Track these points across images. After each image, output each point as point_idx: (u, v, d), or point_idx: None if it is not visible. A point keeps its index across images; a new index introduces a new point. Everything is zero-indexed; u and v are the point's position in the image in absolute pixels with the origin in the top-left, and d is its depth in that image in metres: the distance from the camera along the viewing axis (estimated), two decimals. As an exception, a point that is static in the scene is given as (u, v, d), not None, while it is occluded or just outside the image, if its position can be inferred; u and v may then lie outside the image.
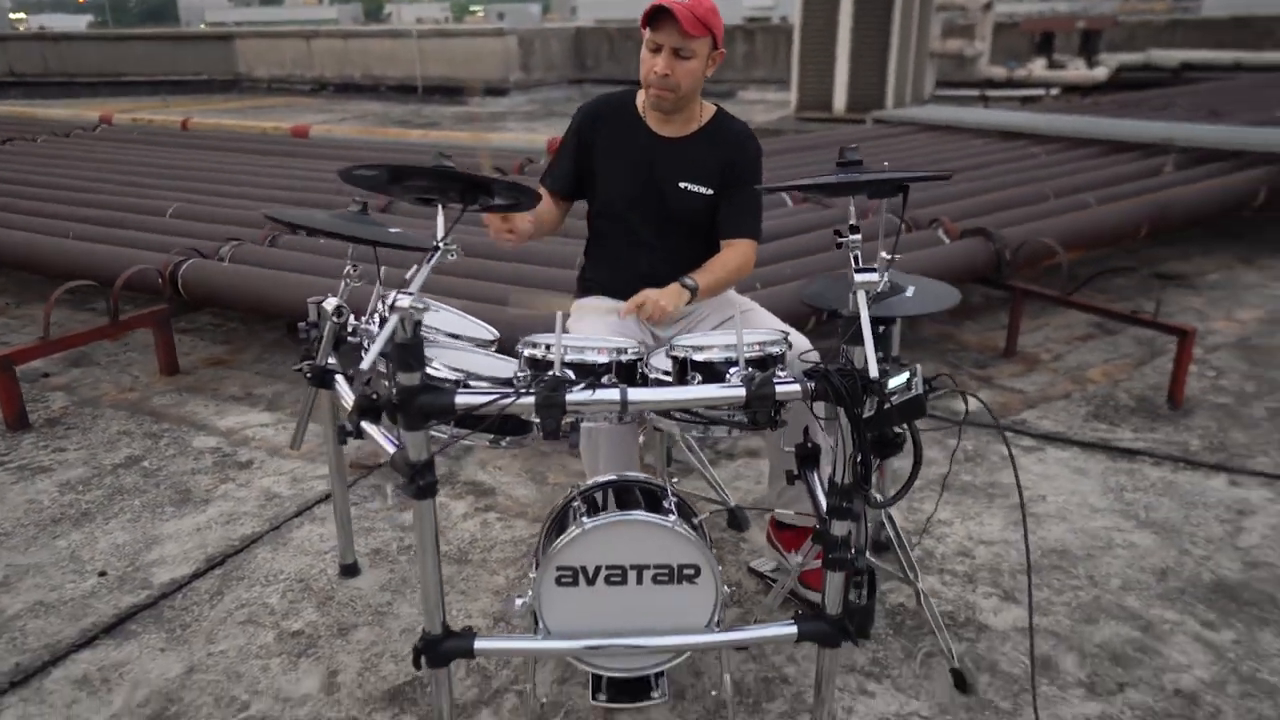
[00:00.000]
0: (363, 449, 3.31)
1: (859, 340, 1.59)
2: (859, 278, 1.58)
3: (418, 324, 1.52)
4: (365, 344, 1.98)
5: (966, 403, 1.90)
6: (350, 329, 2.07)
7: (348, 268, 1.99)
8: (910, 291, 2.07)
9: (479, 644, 1.77)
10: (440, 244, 1.56)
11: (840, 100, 10.08)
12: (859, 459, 1.68)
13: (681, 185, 2.28)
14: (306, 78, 17.40)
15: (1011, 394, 3.69)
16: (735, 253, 2.25)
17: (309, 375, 2.02)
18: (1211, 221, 5.55)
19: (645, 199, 2.30)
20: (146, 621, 2.39)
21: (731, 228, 2.27)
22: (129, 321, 3.82)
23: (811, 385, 1.63)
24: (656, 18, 2.11)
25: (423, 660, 1.76)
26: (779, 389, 1.63)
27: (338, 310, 1.96)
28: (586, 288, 2.50)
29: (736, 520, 2.76)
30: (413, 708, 2.07)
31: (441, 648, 1.76)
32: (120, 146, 7.45)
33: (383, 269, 2.03)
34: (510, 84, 15.71)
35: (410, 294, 1.49)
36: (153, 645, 2.29)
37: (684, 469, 3.01)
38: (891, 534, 2.25)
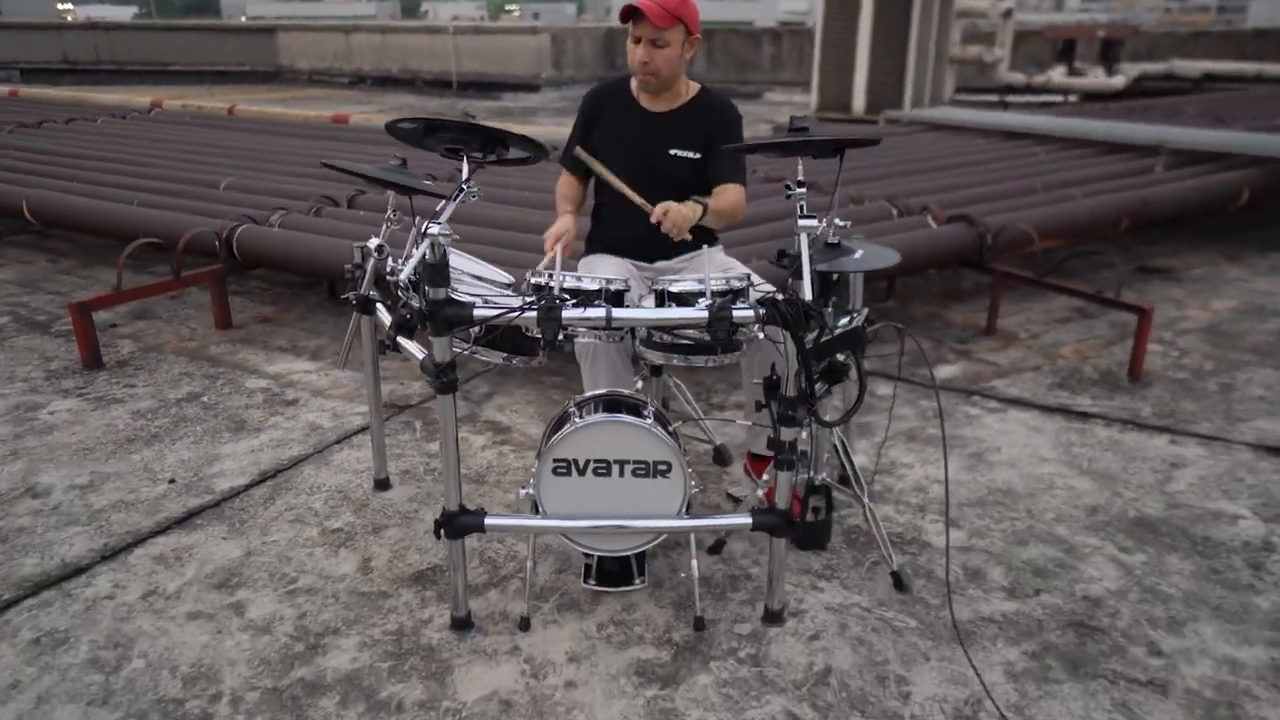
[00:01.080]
0: (395, 393, 3.72)
1: (801, 277, 1.96)
2: (802, 223, 1.95)
3: (445, 248, 1.91)
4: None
5: (903, 341, 2.26)
6: (389, 268, 2.47)
7: (388, 213, 2.38)
8: (859, 254, 2.43)
9: (489, 520, 2.16)
10: (464, 186, 1.95)
11: (859, 102, 10.40)
12: (803, 375, 2.05)
13: (671, 152, 2.67)
14: (345, 70, 17.98)
15: (985, 365, 4.02)
16: (729, 192, 2.62)
17: (354, 302, 2.42)
18: (1196, 219, 5.84)
19: (640, 166, 2.68)
20: (210, 518, 2.81)
21: (722, 176, 2.64)
22: (190, 278, 4.26)
23: (762, 311, 2.00)
24: (632, 14, 2.50)
25: (442, 532, 2.16)
26: (735, 313, 2.00)
27: (379, 248, 2.36)
28: (591, 247, 2.89)
29: (721, 456, 3.14)
30: (433, 586, 2.46)
31: (458, 522, 2.15)
32: (174, 128, 7.96)
33: (416, 218, 2.42)
34: (542, 80, 16.16)
35: (439, 223, 1.89)
36: (216, 535, 2.71)
37: (677, 418, 3.39)
38: (845, 461, 2.61)
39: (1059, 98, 11.84)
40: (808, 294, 1.92)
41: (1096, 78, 12.17)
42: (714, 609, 2.37)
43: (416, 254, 1.87)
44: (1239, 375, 3.92)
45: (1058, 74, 12.37)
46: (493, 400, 3.66)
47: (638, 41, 2.54)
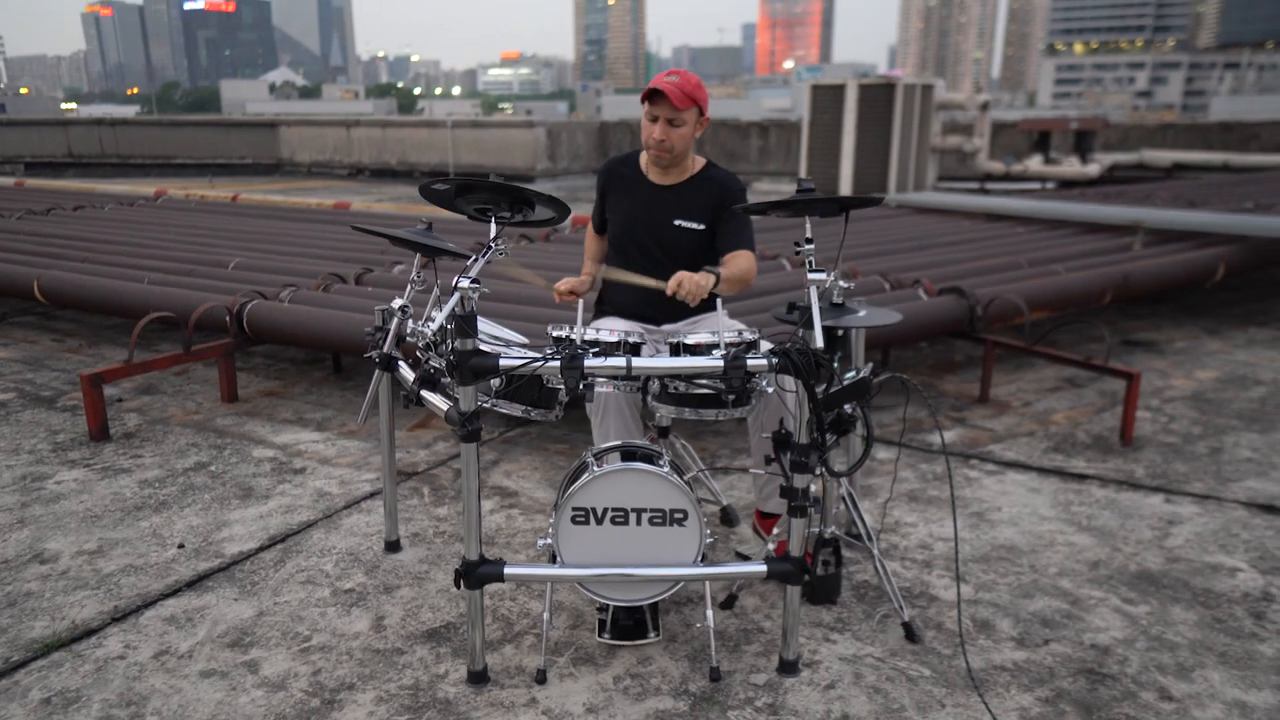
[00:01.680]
0: (402, 460, 3.76)
1: (811, 326, 2.06)
2: (811, 276, 2.06)
3: (474, 301, 2.00)
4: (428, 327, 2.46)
5: (908, 392, 2.35)
6: (410, 329, 2.56)
7: (413, 274, 2.49)
8: (862, 313, 2.54)
9: (509, 570, 2.20)
10: (492, 244, 2.06)
11: (845, 190, 10.76)
12: (815, 422, 2.12)
13: (676, 223, 2.81)
14: (345, 163, 18.47)
15: (981, 431, 4.11)
16: (739, 258, 2.74)
17: (377, 360, 2.50)
18: (1175, 293, 6.04)
19: (646, 235, 2.81)
20: (221, 580, 2.82)
21: (731, 244, 2.77)
22: (199, 352, 4.34)
23: (775, 360, 2.09)
24: (653, 96, 2.67)
25: (462, 583, 2.19)
26: (749, 362, 2.09)
27: (403, 309, 2.45)
28: (602, 311, 3.00)
29: (728, 516, 3.18)
30: (447, 642, 2.47)
31: (478, 572, 2.18)
32: (180, 214, 8.15)
33: (439, 279, 2.53)
34: (537, 172, 16.63)
35: (469, 278, 1.99)
36: (227, 596, 2.72)
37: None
38: (854, 513, 2.66)
39: (1037, 185, 12.28)
40: (818, 343, 2.02)
41: (1072, 166, 12.66)
42: (729, 661, 2.38)
43: (446, 307, 1.97)
44: (1226, 439, 4.01)
45: (1035, 163, 12.86)
46: (499, 466, 3.70)
47: (654, 120, 2.71)
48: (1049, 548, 3.02)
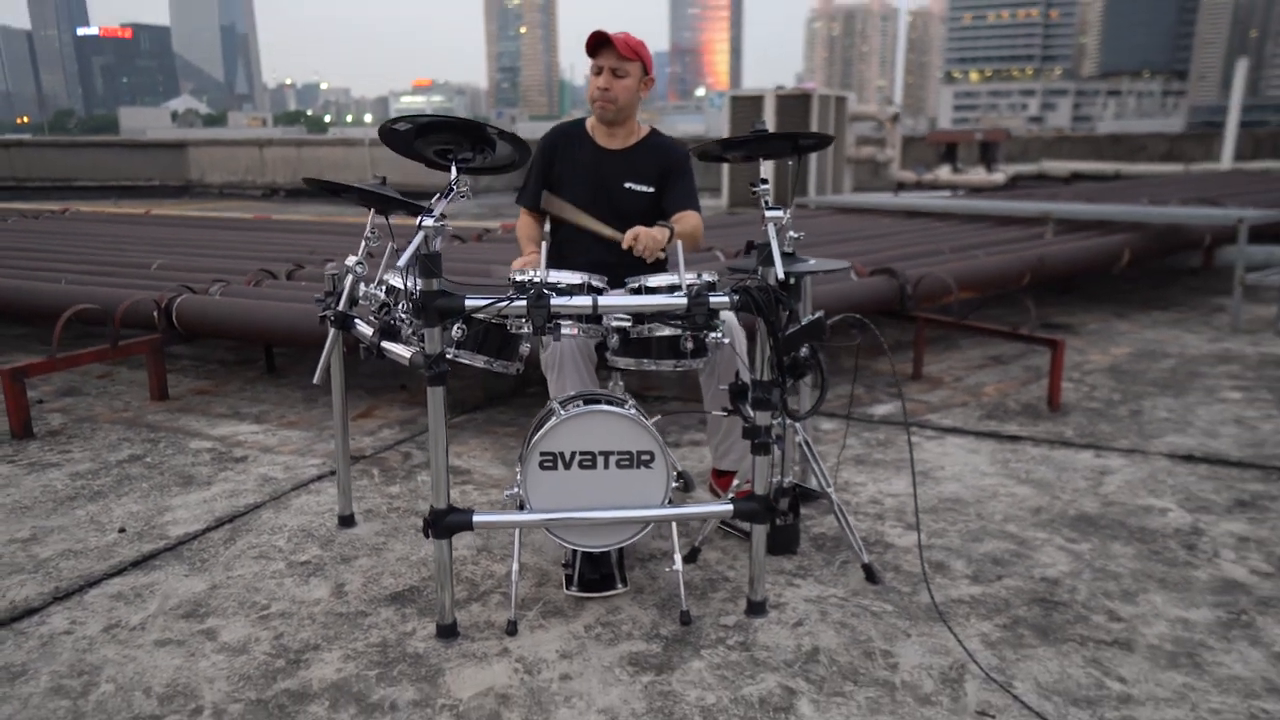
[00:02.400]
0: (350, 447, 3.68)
1: (771, 263, 2.13)
2: (769, 213, 2.13)
3: (438, 240, 2.00)
4: (379, 296, 2.44)
5: (865, 333, 2.44)
6: (361, 293, 2.53)
7: (367, 231, 2.46)
8: (812, 262, 2.63)
9: (477, 518, 2.18)
10: (454, 186, 2.06)
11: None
12: (776, 358, 2.18)
13: (626, 185, 2.86)
14: (259, 183, 18.03)
15: (917, 404, 4.25)
16: (688, 217, 2.80)
17: (332, 319, 2.46)
18: (1083, 282, 6.36)
19: (597, 199, 2.85)
20: (168, 559, 2.71)
21: (678, 204, 2.82)
22: (127, 347, 4.18)
23: (736, 297, 2.14)
24: (598, 46, 2.73)
25: (430, 532, 2.16)
26: (711, 299, 2.14)
27: (357, 263, 2.43)
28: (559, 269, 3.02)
29: (685, 481, 3.21)
30: (412, 604, 2.43)
31: (446, 520, 2.16)
32: (91, 224, 7.84)
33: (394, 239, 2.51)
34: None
35: (433, 216, 1.99)
36: (177, 573, 2.62)
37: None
38: (812, 459, 2.72)
39: (947, 192, 12.80)
40: (779, 269, 2.08)
41: (979, 175, 13.25)
42: (697, 607, 2.40)
43: (411, 246, 1.96)
44: (1144, 403, 4.24)
45: (944, 173, 13.42)
46: (449, 449, 3.66)
47: (599, 72, 2.75)
48: (992, 498, 3.14)
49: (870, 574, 2.55)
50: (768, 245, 2.12)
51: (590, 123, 2.95)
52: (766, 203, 2.15)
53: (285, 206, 16.91)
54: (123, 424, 3.98)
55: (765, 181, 2.18)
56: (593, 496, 2.23)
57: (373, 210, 2.44)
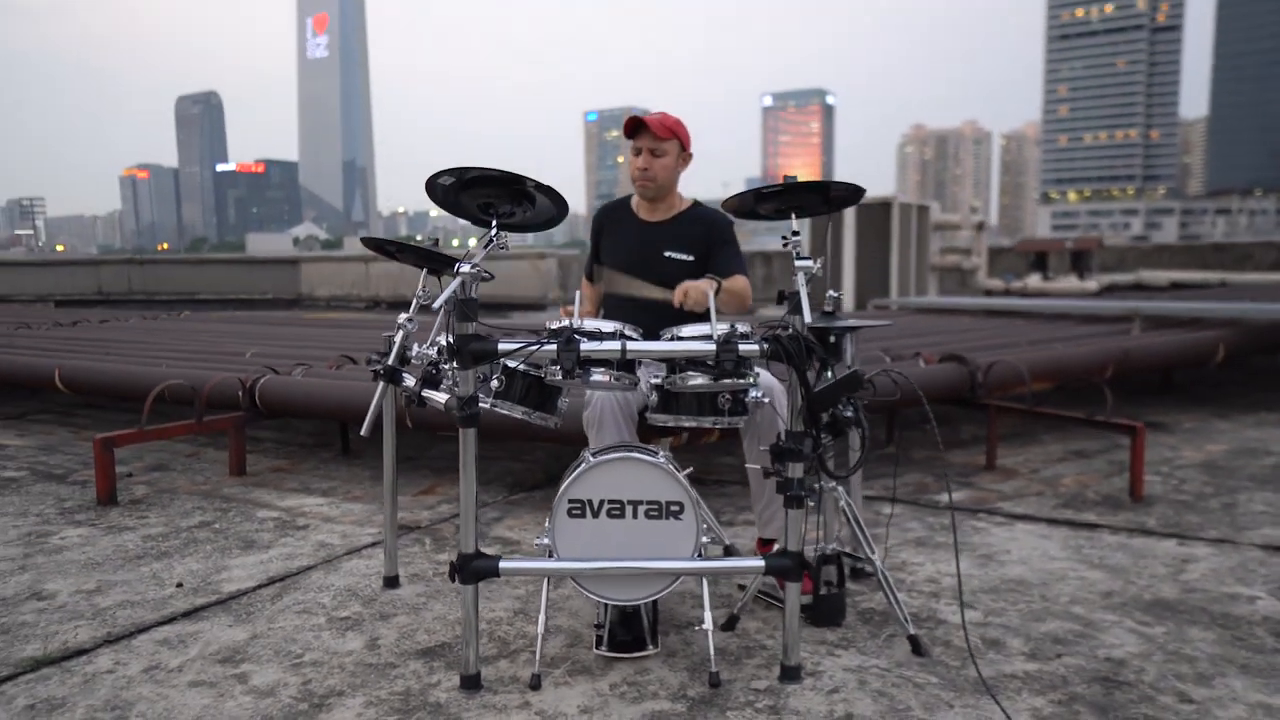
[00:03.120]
0: (405, 518, 3.75)
1: (800, 311, 2.13)
2: (799, 263, 2.15)
3: (475, 286, 2.09)
4: (429, 351, 2.54)
5: (895, 382, 2.39)
6: (414, 353, 2.63)
7: (418, 290, 2.59)
8: (850, 320, 2.61)
9: (504, 564, 2.18)
10: (493, 237, 2.16)
11: (849, 302, 11.01)
12: (806, 409, 2.15)
13: (666, 254, 2.94)
14: (363, 296, 19.04)
15: (988, 492, 4.07)
16: (736, 279, 2.83)
17: (381, 372, 2.56)
18: (1185, 379, 6.05)
19: (638, 268, 2.92)
20: (216, 611, 2.78)
21: (724, 270, 2.86)
22: (212, 422, 4.40)
23: (766, 346, 2.15)
24: (635, 127, 2.86)
25: (457, 577, 2.17)
26: (741, 347, 2.15)
27: (407, 320, 2.54)
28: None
29: (730, 554, 3.13)
30: (441, 658, 2.41)
31: (472, 566, 2.17)
32: (202, 323, 8.40)
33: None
34: (548, 301, 17.08)
35: (470, 263, 2.08)
36: (221, 623, 2.68)
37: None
38: (854, 525, 2.63)
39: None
40: (806, 315, 2.08)
41: (1070, 283, 12.95)
42: (729, 671, 2.31)
43: (448, 289, 2.05)
44: (1239, 496, 3.96)
45: (1034, 281, 13.17)
46: (502, 522, 3.69)
47: (638, 152, 2.88)
48: (1060, 581, 2.95)
49: (916, 646, 2.41)
50: (798, 294, 2.13)
51: (635, 200, 3.07)
52: (798, 253, 2.17)
53: (385, 315, 17.77)
54: (199, 495, 4.16)
55: (797, 234, 2.21)
56: (620, 547, 2.21)
57: (425, 270, 2.57)
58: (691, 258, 2.92)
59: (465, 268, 2.07)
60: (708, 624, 2.26)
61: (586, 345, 2.12)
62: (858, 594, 2.82)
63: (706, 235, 2.97)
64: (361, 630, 2.61)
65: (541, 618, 2.30)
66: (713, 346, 2.15)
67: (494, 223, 2.17)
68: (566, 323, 2.22)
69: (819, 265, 2.17)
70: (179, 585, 3.00)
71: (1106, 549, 3.27)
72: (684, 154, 2.96)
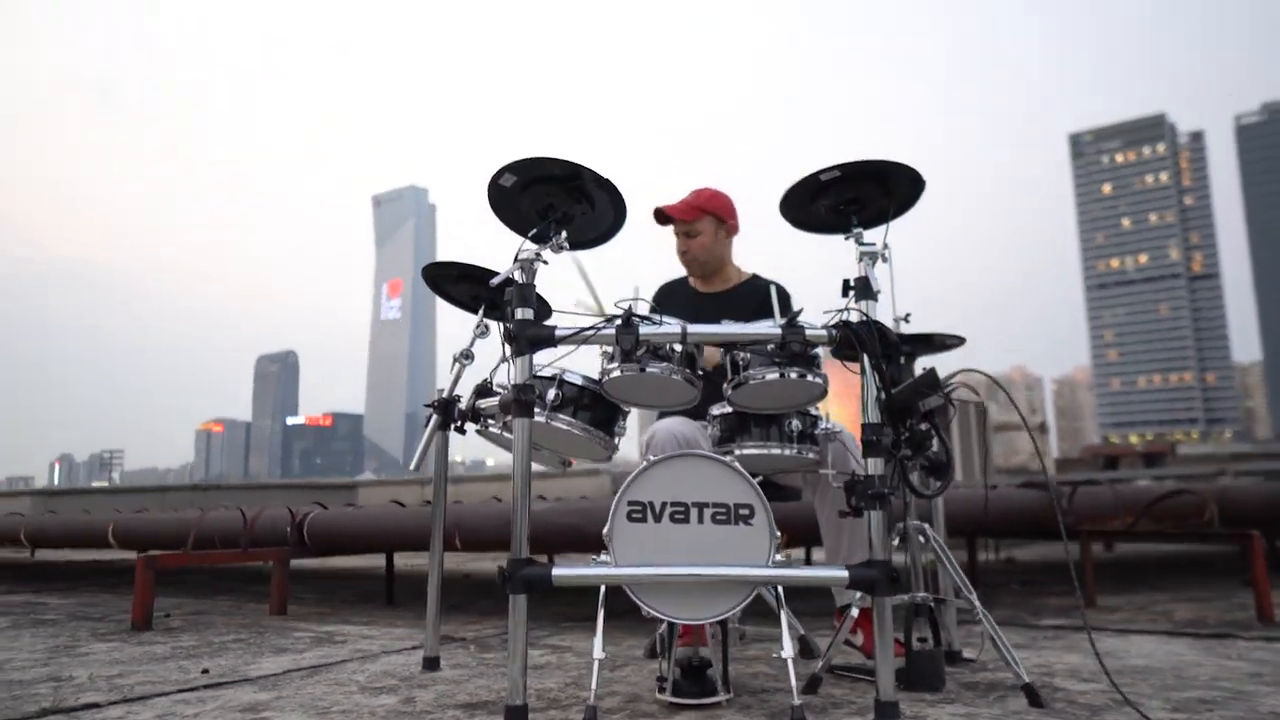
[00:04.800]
0: (453, 633, 3.47)
1: (869, 295, 2.05)
2: (862, 248, 2.09)
3: (534, 271, 2.06)
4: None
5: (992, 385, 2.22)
6: (480, 404, 2.56)
7: (479, 327, 2.56)
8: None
9: (557, 571, 1.97)
10: (552, 235, 2.16)
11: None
12: (884, 396, 2.01)
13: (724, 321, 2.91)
14: (417, 519, 19.00)
15: (1095, 620, 3.65)
16: None
17: (435, 405, 2.47)
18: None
19: None
20: (241, 684, 2.53)
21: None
22: (257, 552, 4.26)
23: (834, 331, 2.04)
24: (661, 219, 2.95)
25: (506, 587, 1.96)
26: (809, 333, 2.05)
27: (465, 354, 2.49)
28: (663, 413, 2.98)
29: (808, 647, 2.80)
30: (483, 710, 2.13)
31: (523, 573, 1.97)
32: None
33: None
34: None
35: (532, 248, 2.07)
36: (246, 690, 2.43)
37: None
38: (949, 567, 2.35)
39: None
40: (891, 311, 1.99)
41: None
42: (814, 717, 1.99)
43: (506, 270, 2.03)
44: (1387, 620, 3.48)
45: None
46: (554, 637, 3.39)
47: (676, 237, 2.96)
48: (1195, 667, 2.56)
49: (1033, 696, 2.07)
50: (865, 279, 2.06)
51: (692, 277, 3.11)
52: (859, 238, 2.12)
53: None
54: (236, 626, 3.93)
55: (857, 225, 2.16)
56: (685, 554, 1.99)
57: (483, 308, 2.56)
58: None
59: (526, 253, 2.05)
60: (787, 650, 1.97)
61: (646, 329, 2.04)
62: (954, 673, 2.46)
63: (764, 304, 2.95)
64: (396, 693, 2.34)
65: (598, 634, 2.03)
66: (778, 331, 2.05)
67: (551, 234, 2.15)
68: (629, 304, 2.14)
69: (886, 247, 2.10)
70: (204, 671, 2.76)
71: (1243, 648, 2.86)
72: (725, 226, 3.00)
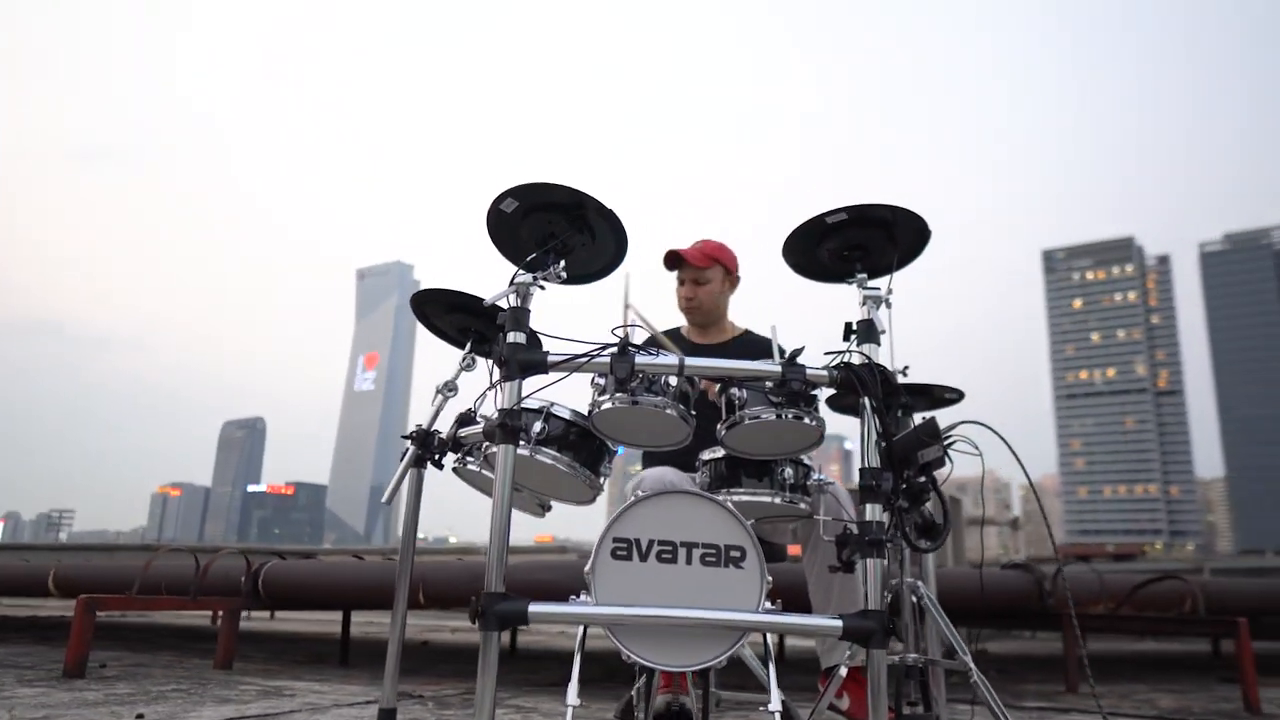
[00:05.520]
0: (406, 689, 3.27)
1: (873, 339, 2.00)
2: (866, 292, 2.05)
3: (529, 296, 2.00)
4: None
5: (982, 455, 2.17)
6: (462, 434, 2.45)
7: (465, 359, 2.47)
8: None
9: (534, 608, 1.85)
10: (551, 250, 2.10)
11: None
12: (883, 441, 1.94)
13: None
14: (375, 592, 18.41)
15: (1078, 709, 3.52)
16: None
17: (413, 436, 2.35)
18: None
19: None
20: (179, 729, 2.34)
21: None
22: (206, 602, 4.04)
23: (835, 372, 1.99)
24: (674, 261, 2.90)
25: (478, 621, 1.83)
26: (809, 372, 1.99)
27: (447, 385, 2.40)
28: (650, 462, 2.88)
29: (789, 716, 2.65)
30: (444, 760, 1.97)
31: (497, 608, 1.84)
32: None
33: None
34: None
35: (527, 275, 2.01)
36: (183, 734, 2.24)
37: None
38: (942, 624, 2.24)
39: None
40: (892, 360, 1.94)
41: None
42: (801, 780, 1.85)
43: (501, 293, 1.96)
44: (1377, 720, 3.39)
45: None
46: (519, 699, 3.20)
47: (682, 283, 2.91)
48: (1190, 751, 2.44)
49: (1033, 770, 1.94)
50: (869, 321, 2.01)
51: (685, 327, 3.05)
52: (862, 282, 2.08)
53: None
54: (177, 678, 3.69)
55: (862, 272, 2.13)
56: (671, 596, 1.88)
57: (470, 343, 2.47)
58: None
59: (523, 278, 1.99)
60: (774, 705, 1.84)
61: (642, 359, 1.97)
62: (946, 747, 2.33)
63: (756, 356, 2.91)
64: (348, 742, 2.16)
65: (574, 673, 1.88)
66: (778, 367, 1.99)
67: (557, 240, 2.10)
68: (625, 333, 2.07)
69: (890, 291, 2.06)
70: (139, 717, 2.56)
71: (1236, 737, 2.75)
72: (730, 278, 2.98)
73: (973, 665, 2.13)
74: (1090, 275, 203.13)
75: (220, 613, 4.11)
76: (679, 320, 3.11)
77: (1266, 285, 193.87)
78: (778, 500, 2.21)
